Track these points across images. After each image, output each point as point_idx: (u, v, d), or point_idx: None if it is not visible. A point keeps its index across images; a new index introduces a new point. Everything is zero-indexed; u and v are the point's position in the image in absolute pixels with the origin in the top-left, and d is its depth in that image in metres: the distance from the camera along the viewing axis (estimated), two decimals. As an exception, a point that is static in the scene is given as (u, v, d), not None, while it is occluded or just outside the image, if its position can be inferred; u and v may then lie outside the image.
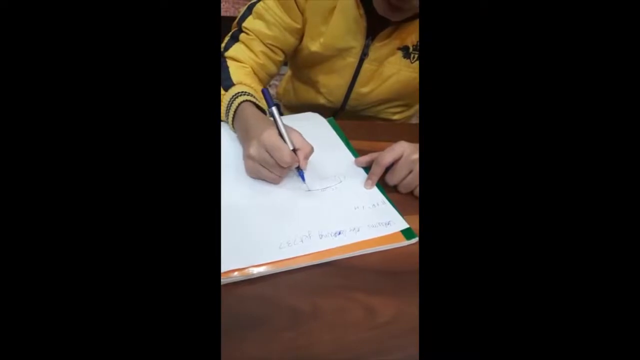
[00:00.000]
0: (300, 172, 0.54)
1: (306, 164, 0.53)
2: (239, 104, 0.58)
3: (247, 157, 0.53)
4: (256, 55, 0.67)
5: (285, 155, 0.50)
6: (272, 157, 0.50)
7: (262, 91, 0.57)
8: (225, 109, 0.60)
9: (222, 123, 0.63)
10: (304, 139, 0.53)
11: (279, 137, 0.51)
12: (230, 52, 0.67)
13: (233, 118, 0.59)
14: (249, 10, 0.67)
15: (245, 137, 0.55)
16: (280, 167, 0.51)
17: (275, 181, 0.53)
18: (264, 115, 0.57)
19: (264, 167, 0.52)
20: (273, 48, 0.68)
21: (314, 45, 0.70)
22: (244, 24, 0.67)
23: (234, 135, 0.62)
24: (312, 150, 0.53)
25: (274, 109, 0.53)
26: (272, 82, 1.74)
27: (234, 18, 0.70)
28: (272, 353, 0.37)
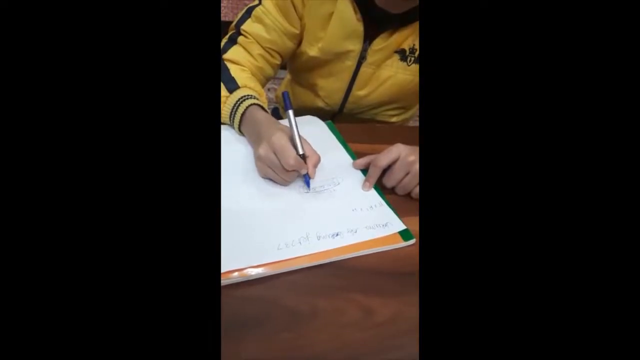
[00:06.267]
0: (306, 178, 0.55)
1: (314, 172, 0.54)
2: (247, 107, 0.59)
3: (256, 157, 0.54)
4: (254, 58, 0.68)
5: (290, 158, 0.51)
6: (278, 159, 0.51)
7: (283, 94, 0.58)
8: (229, 111, 0.61)
9: (225, 125, 0.64)
10: (312, 148, 0.55)
11: (288, 141, 0.52)
12: (228, 55, 0.67)
13: (240, 121, 0.60)
14: (247, 14, 0.68)
15: (257, 139, 0.56)
16: (285, 170, 0.52)
17: (281, 183, 0.55)
18: (274, 119, 0.59)
19: (271, 168, 0.53)
20: (271, 52, 0.69)
21: (312, 50, 0.70)
22: (243, 27, 0.67)
23: (234, 137, 0.62)
24: (319, 159, 0.55)
25: (290, 112, 0.55)
26: (271, 85, 1.75)
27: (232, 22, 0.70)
28: (271, 353, 0.37)
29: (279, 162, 0.52)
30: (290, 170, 0.52)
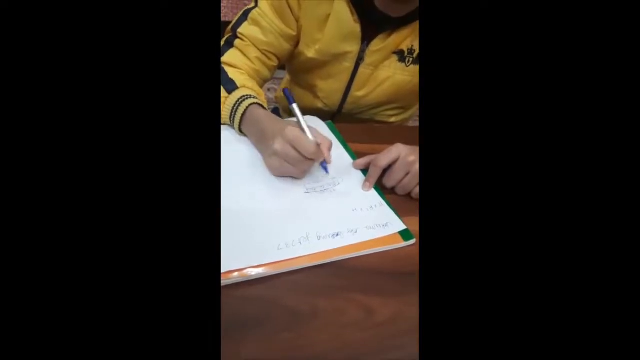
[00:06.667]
0: (323, 164, 0.55)
1: (330, 157, 0.55)
2: (247, 107, 0.59)
3: (271, 154, 0.54)
4: (251, 61, 0.68)
5: (310, 146, 0.51)
6: (296, 150, 0.52)
7: (284, 90, 0.59)
8: (229, 111, 0.61)
9: (225, 125, 0.64)
10: (322, 135, 0.55)
11: (300, 131, 0.53)
12: (225, 58, 0.67)
13: (240, 120, 0.60)
14: (244, 16, 0.68)
15: (263, 137, 0.56)
16: (304, 160, 0.52)
17: (299, 176, 0.55)
18: (277, 116, 0.59)
19: (288, 162, 0.53)
20: (268, 54, 0.69)
21: (310, 52, 0.71)
22: (239, 30, 0.67)
23: (234, 138, 0.62)
24: (331, 143, 0.55)
25: (294, 105, 0.55)
26: (271, 86, 1.75)
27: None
28: (271, 353, 0.37)
29: (297, 154, 0.52)
30: (309, 159, 0.52)
